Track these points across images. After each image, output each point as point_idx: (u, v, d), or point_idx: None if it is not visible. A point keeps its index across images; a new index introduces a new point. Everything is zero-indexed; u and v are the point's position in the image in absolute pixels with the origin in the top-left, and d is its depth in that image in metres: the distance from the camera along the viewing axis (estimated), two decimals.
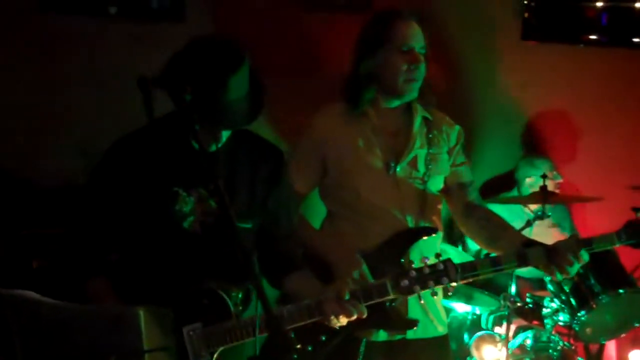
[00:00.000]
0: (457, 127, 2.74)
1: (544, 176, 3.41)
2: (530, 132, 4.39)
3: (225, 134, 2.31)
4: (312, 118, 2.67)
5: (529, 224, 3.43)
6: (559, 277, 2.34)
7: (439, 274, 2.24)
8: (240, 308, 2.36)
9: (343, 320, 2.24)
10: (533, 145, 4.35)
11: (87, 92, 3.72)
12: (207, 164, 2.00)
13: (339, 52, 2.82)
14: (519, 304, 3.59)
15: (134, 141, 2.32)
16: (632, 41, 4.31)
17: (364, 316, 2.24)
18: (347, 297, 2.22)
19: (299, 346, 2.35)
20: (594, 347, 3.99)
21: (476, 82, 4.25)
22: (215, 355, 2.22)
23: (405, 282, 2.25)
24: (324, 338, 2.45)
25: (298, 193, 2.66)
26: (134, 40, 3.75)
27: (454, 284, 2.26)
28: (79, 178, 2.65)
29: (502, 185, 4.27)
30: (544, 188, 3.40)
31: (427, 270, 2.25)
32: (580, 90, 4.31)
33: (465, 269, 2.32)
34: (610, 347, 4.00)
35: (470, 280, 2.36)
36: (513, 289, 3.37)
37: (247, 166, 2.36)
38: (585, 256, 2.31)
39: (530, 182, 4.05)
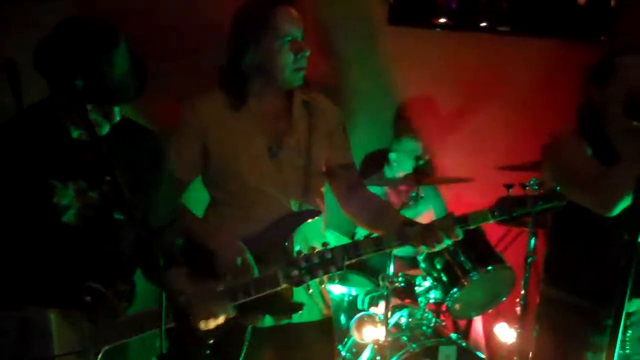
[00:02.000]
0: (337, 109, 2.75)
1: (417, 158, 3.50)
2: (401, 115, 4.48)
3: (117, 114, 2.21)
4: (192, 104, 2.59)
5: (405, 205, 3.51)
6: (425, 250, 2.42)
7: (327, 262, 2.29)
8: (126, 304, 2.28)
9: (211, 324, 2.24)
10: (404, 128, 4.44)
11: None
12: (91, 154, 1.90)
13: None
14: (399, 285, 3.66)
15: (4, 132, 2.16)
16: (479, 25, 4.47)
17: (232, 316, 2.25)
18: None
19: (211, 341, 2.30)
20: (462, 322, 4.16)
21: (346, 66, 4.29)
22: (99, 356, 2.13)
23: (295, 273, 2.28)
24: None
25: (179, 180, 2.59)
26: None
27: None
28: None
29: (373, 166, 4.36)
30: (417, 169, 3.49)
31: (315, 260, 2.28)
32: (445, 74, 4.42)
33: (349, 252, 2.35)
34: (478, 321, 4.16)
35: (354, 262, 2.40)
36: (391, 269, 3.43)
37: (126, 154, 2.27)
38: (460, 233, 2.38)
39: (397, 161, 4.14)
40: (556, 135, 2.68)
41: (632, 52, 2.56)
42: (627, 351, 2.60)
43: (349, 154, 2.76)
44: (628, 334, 2.61)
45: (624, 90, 2.45)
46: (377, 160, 4.35)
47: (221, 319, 2.27)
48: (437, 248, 2.39)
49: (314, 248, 2.30)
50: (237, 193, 2.56)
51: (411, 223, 2.51)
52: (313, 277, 2.28)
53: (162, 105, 3.29)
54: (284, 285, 2.31)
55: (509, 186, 2.65)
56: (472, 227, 2.41)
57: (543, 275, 2.81)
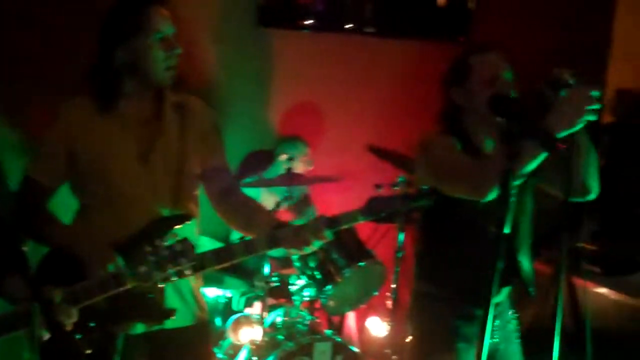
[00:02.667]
0: (211, 110, 2.73)
1: (291, 159, 3.53)
2: (279, 117, 4.52)
3: None
4: (58, 109, 2.51)
5: (278, 206, 3.53)
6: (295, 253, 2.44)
7: (176, 255, 2.19)
8: None
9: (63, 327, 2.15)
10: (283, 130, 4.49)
11: None
12: None
13: None
14: (273, 284, 3.68)
15: None
16: (345, 27, 4.54)
17: (75, 319, 2.15)
18: (58, 300, 2.11)
19: (89, 351, 2.22)
20: (336, 318, 4.24)
21: (215, 68, 4.29)
22: None
23: (143, 269, 2.18)
24: (78, 336, 2.33)
25: (44, 187, 2.50)
26: None
27: (190, 269, 2.21)
28: None
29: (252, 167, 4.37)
30: (289, 170, 3.52)
31: (164, 253, 2.19)
32: (315, 75, 4.50)
33: (221, 255, 2.35)
34: (350, 316, 4.25)
35: (227, 264, 2.40)
36: (266, 269, 3.45)
37: None
38: (329, 235, 2.41)
39: (282, 163, 4.15)
40: (427, 133, 2.76)
41: (484, 50, 2.67)
42: (496, 340, 2.71)
43: (223, 156, 2.74)
44: (496, 323, 2.72)
45: (480, 87, 2.56)
46: (257, 162, 4.37)
47: (68, 324, 2.18)
48: (307, 251, 2.41)
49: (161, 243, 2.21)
50: (107, 198, 2.49)
51: (282, 226, 2.52)
52: (162, 271, 2.18)
53: (30, 110, 3.19)
54: (133, 284, 2.21)
55: (378, 186, 2.75)
56: (343, 227, 2.45)
57: (414, 270, 2.90)
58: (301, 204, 4.26)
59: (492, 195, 2.43)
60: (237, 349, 3.67)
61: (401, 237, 4.02)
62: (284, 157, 4.00)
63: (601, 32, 5.11)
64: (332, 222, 2.41)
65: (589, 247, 3.93)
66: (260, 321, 3.41)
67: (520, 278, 2.68)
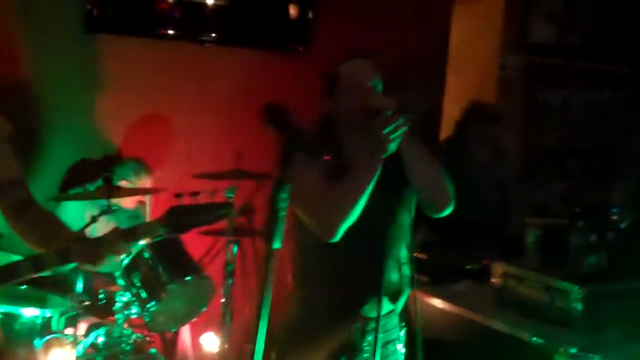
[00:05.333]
0: (2, 120, 2.54)
1: (107, 179, 3.39)
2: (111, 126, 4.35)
3: None
4: None
5: (94, 220, 3.36)
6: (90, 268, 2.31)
7: None
8: None
9: None
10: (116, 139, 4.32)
11: None
12: None
13: None
14: (87, 302, 3.49)
15: None
16: (200, 38, 4.47)
17: None
18: None
19: None
20: (169, 334, 4.10)
21: (40, 76, 4.09)
22: None
23: None
24: None
25: None
26: None
27: None
28: None
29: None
30: (107, 181, 3.38)
31: None
32: (151, 83, 4.37)
33: (5, 273, 2.19)
34: (185, 331, 4.12)
35: (13, 283, 2.24)
36: (80, 286, 3.27)
37: None
38: (126, 248, 2.29)
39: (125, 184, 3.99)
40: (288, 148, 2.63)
41: (351, 58, 2.61)
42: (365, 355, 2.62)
43: (17, 168, 2.56)
44: (369, 339, 2.60)
45: (346, 95, 2.52)
46: (83, 173, 4.19)
47: None
48: (98, 266, 2.28)
49: None
50: None
51: (80, 239, 2.39)
52: None
53: None
54: None
55: (178, 195, 2.63)
56: (142, 238, 2.34)
57: (292, 282, 2.76)
58: (134, 219, 4.11)
59: (340, 234, 2.38)
60: None
61: (235, 249, 3.95)
62: (124, 183, 3.87)
63: (439, 44, 5.23)
64: (128, 234, 2.30)
65: (420, 256, 3.98)
66: (74, 342, 3.23)
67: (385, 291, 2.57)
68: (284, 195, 1.72)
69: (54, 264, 2.29)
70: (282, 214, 1.73)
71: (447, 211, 2.60)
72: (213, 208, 2.35)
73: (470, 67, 5.57)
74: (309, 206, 2.47)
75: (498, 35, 5.52)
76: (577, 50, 5.82)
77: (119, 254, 2.28)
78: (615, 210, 4.26)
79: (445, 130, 5.21)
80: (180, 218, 2.34)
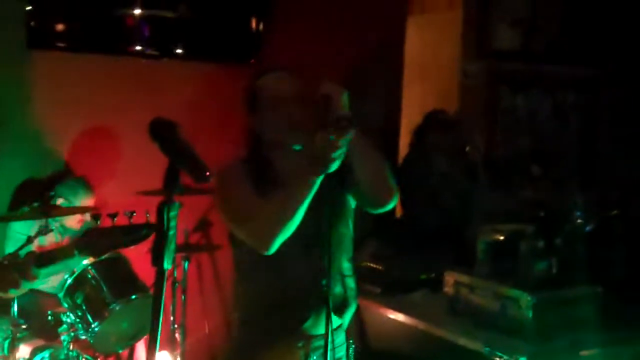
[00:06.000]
0: None
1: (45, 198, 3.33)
2: (58, 143, 4.27)
3: None
4: None
5: (29, 240, 3.28)
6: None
7: None
8: None
9: None
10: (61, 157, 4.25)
11: None
12: None
13: None
14: (24, 326, 3.40)
15: None
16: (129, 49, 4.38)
17: None
18: None
19: None
20: (124, 354, 4.01)
21: None
22: None
23: None
24: None
25: None
26: None
27: None
28: None
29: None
30: (46, 201, 3.31)
31: None
32: (93, 99, 4.29)
33: None
34: (141, 351, 4.04)
35: None
36: (15, 309, 3.19)
37: None
38: (39, 274, 2.24)
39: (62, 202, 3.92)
40: (224, 166, 2.52)
41: (268, 72, 2.55)
42: None
43: None
44: (314, 359, 2.51)
45: (266, 111, 2.43)
46: (31, 191, 4.11)
47: None
48: (8, 293, 2.23)
49: None
50: None
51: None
52: None
53: None
54: None
55: (96, 217, 2.56)
56: (58, 262, 2.28)
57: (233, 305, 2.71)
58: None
59: (277, 247, 2.29)
60: None
61: (185, 265, 3.87)
62: (61, 200, 3.79)
63: (394, 53, 5.19)
64: (42, 258, 2.24)
65: (375, 266, 3.93)
66: None
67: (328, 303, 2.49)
68: (172, 214, 1.64)
69: None
70: (172, 232, 1.66)
71: (391, 205, 2.48)
72: (132, 230, 2.29)
73: (432, 75, 5.55)
74: (241, 219, 2.37)
75: (459, 43, 5.51)
76: (541, 55, 5.81)
77: (31, 279, 2.23)
78: (579, 214, 4.22)
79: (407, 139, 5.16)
80: (98, 240, 2.29)
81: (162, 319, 3.22)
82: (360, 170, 2.35)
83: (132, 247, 2.45)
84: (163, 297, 1.69)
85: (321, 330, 2.35)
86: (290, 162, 2.41)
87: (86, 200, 3.90)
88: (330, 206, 2.34)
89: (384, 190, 2.44)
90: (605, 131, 5.88)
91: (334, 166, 2.17)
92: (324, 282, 2.30)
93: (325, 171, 2.18)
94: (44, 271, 2.24)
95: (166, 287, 3.71)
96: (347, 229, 2.54)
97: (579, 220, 4.17)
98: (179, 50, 4.46)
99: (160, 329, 1.68)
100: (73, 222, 3.87)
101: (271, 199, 2.31)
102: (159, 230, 1.64)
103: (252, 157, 2.52)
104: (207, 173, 1.65)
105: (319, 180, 2.22)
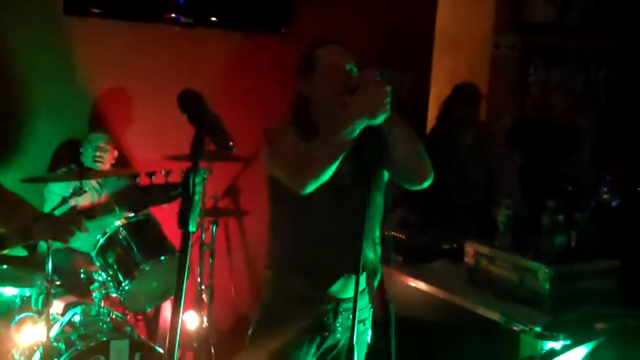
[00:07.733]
0: None
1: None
2: (93, 107, 4.39)
3: None
4: None
5: (64, 200, 3.40)
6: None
7: None
8: None
9: None
10: (97, 121, 4.35)
11: None
12: None
13: None
14: (58, 282, 3.53)
15: None
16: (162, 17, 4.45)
17: None
18: None
19: None
20: (151, 313, 4.16)
21: (23, 57, 4.12)
22: None
23: None
24: None
25: None
26: None
27: None
28: None
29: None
30: (79, 164, 3.42)
31: None
32: (131, 66, 4.39)
33: None
34: (166, 309, 4.17)
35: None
36: (50, 266, 3.32)
37: None
38: (89, 225, 2.36)
39: (86, 156, 4.06)
40: (271, 122, 2.70)
41: (328, 43, 2.65)
42: (338, 335, 2.67)
43: None
44: (341, 320, 2.66)
45: (324, 78, 2.56)
46: (67, 152, 4.24)
47: None
48: (71, 241, 2.35)
49: None
50: None
51: (42, 217, 2.44)
52: None
53: None
54: None
55: (135, 176, 2.68)
56: (100, 217, 2.41)
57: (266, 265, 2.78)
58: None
59: (311, 188, 2.43)
60: (32, 350, 3.53)
61: (213, 229, 3.99)
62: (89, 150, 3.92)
63: (425, 22, 5.20)
64: (86, 212, 2.37)
65: (398, 235, 3.99)
66: (46, 320, 3.29)
67: (363, 269, 2.56)
68: (198, 179, 1.75)
69: (16, 242, 2.36)
70: (197, 197, 1.76)
71: (425, 184, 2.65)
72: (168, 187, 2.40)
73: (464, 47, 5.54)
74: (283, 156, 2.53)
75: (492, 15, 5.48)
76: (575, 30, 5.76)
77: (81, 230, 2.35)
78: (605, 189, 4.23)
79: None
80: (136, 197, 2.40)
81: (190, 280, 3.37)
82: (397, 150, 2.48)
83: (163, 207, 2.57)
84: (188, 258, 1.79)
85: (349, 293, 2.51)
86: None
87: (107, 144, 4.03)
88: (369, 175, 2.44)
89: (419, 171, 2.61)
90: (637, 107, 5.84)
91: (379, 118, 2.32)
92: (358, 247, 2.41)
93: (372, 119, 2.32)
94: (90, 225, 2.36)
95: (194, 249, 3.90)
96: (381, 199, 2.66)
97: (605, 196, 4.19)
98: (213, 19, 4.52)
99: (184, 288, 1.77)
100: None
101: (313, 143, 2.46)
102: (185, 194, 1.73)
103: (297, 120, 2.65)
104: (231, 143, 1.74)
105: (358, 128, 2.35)
